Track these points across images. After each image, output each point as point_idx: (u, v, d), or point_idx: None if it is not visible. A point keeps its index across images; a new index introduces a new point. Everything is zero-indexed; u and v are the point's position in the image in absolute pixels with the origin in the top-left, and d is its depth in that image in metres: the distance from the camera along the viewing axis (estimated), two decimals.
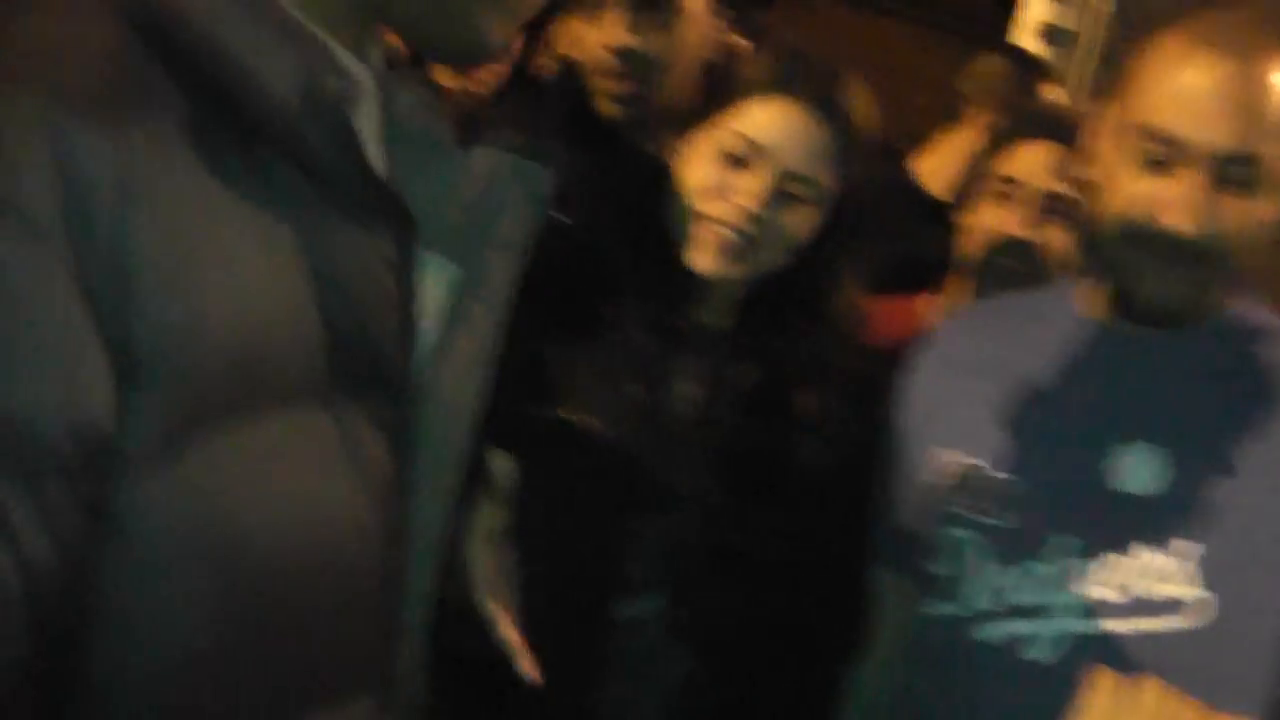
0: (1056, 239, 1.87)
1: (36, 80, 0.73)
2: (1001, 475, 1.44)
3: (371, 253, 0.89)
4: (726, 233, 1.56)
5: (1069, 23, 3.51)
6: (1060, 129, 1.90)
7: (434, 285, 1.01)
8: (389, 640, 0.97)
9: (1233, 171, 1.32)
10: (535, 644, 1.45)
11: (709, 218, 1.57)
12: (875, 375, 1.62)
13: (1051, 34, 3.48)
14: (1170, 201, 1.33)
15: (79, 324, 0.72)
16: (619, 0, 1.81)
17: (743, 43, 2.44)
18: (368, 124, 0.88)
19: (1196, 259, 1.34)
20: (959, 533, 1.45)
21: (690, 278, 1.59)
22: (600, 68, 1.82)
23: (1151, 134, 1.34)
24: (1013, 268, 1.85)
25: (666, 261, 1.59)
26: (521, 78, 2.02)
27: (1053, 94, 2.72)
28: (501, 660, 1.44)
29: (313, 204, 0.84)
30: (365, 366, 0.89)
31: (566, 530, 1.55)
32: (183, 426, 0.77)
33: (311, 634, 0.87)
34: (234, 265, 0.78)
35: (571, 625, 1.53)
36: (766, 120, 1.58)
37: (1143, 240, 1.35)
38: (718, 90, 1.64)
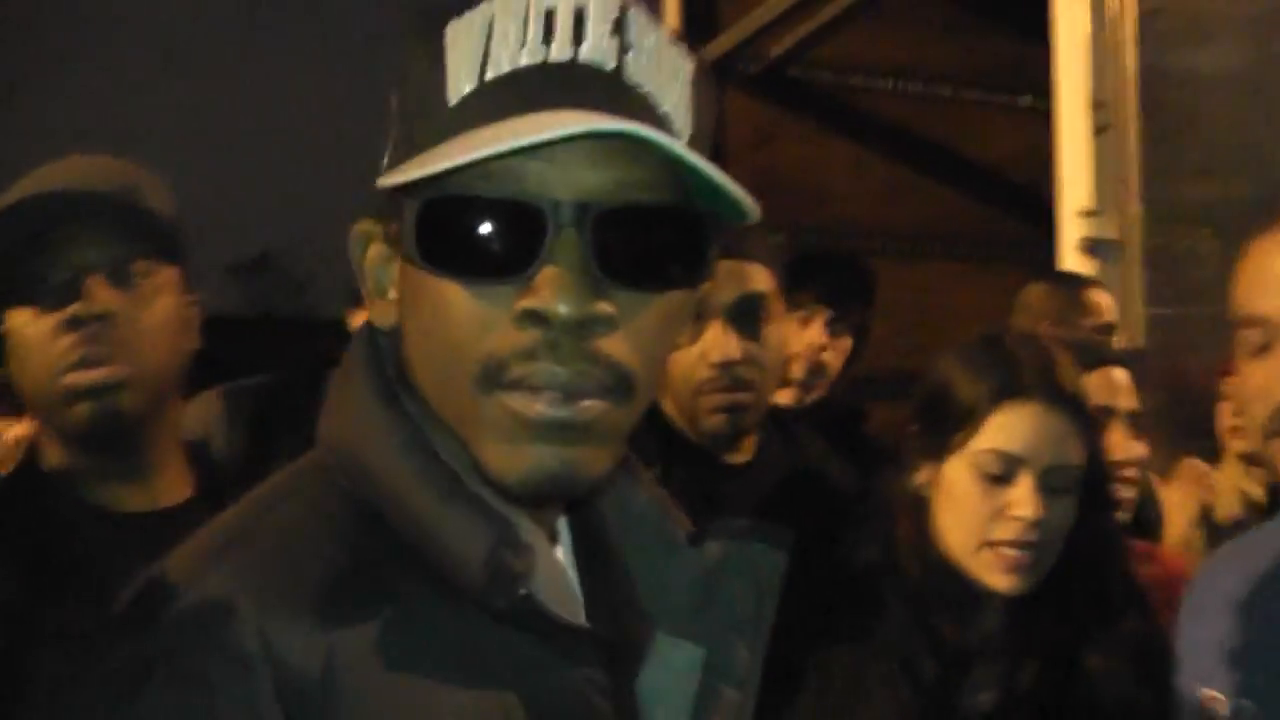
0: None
1: (261, 587, 0.87)
2: (1244, 705, 1.44)
3: (578, 683, 0.94)
4: (1014, 552, 1.58)
5: (1110, 233, 3.50)
6: (1111, 355, 2.02)
7: (683, 669, 1.05)
8: None
9: None
10: None
11: (996, 543, 1.59)
12: (1158, 631, 1.65)
13: (1094, 248, 3.47)
14: None
15: None
16: (720, 316, 1.92)
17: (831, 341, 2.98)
18: (548, 578, 0.95)
19: None
20: None
21: (969, 596, 1.62)
22: (704, 384, 1.92)
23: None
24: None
25: (944, 588, 1.62)
26: None
27: (1105, 309, 2.73)
28: None
29: (517, 652, 0.92)
30: None
31: None
32: None
33: None
34: (434, 707, 0.87)
35: None
36: (1015, 430, 1.60)
37: None
38: (940, 414, 1.66)
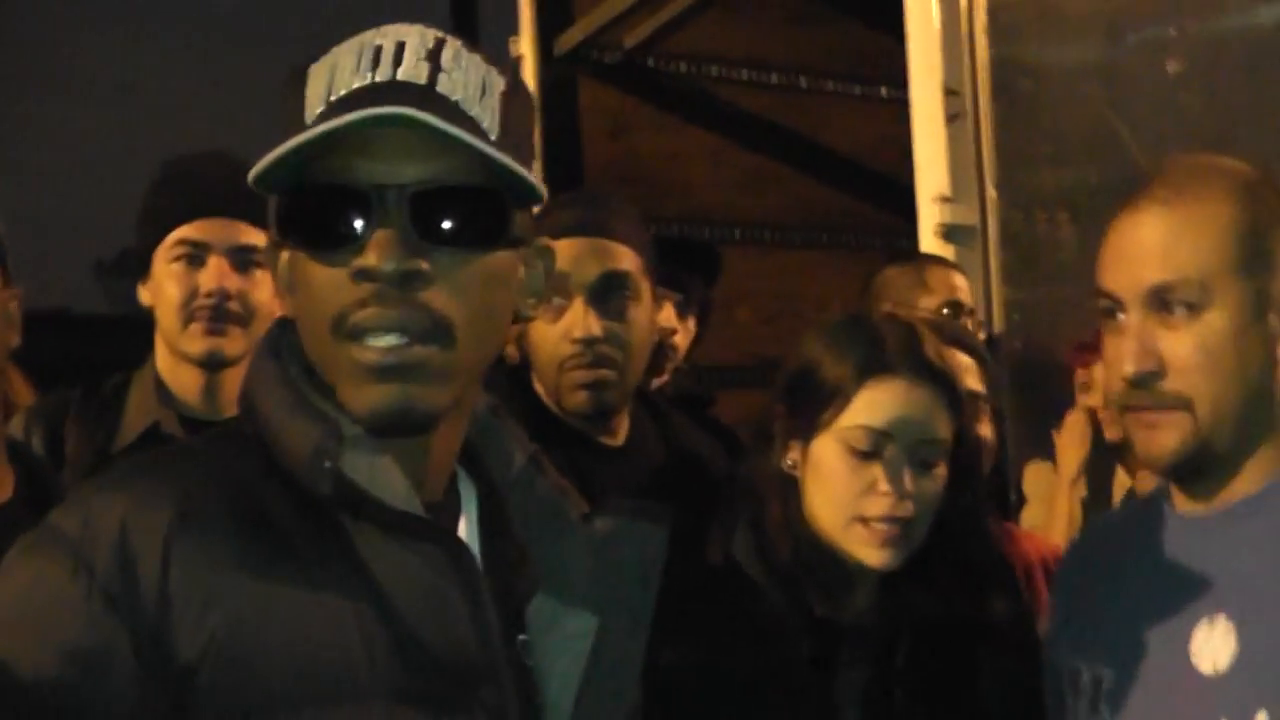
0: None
1: (139, 492, 1.08)
2: (1103, 672, 1.46)
3: (426, 570, 1.12)
4: (885, 526, 1.59)
5: (966, 218, 3.54)
6: (962, 340, 2.04)
7: (578, 634, 1.20)
8: None
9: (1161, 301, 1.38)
10: None
11: (868, 518, 1.59)
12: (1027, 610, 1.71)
13: (952, 233, 3.51)
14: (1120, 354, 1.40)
15: (96, 640, 1.02)
16: (583, 295, 1.94)
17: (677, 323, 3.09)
18: (386, 484, 1.13)
19: (1154, 398, 1.38)
20: None
21: (840, 574, 1.63)
22: (566, 360, 1.94)
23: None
24: None
25: (819, 567, 1.63)
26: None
27: (952, 286, 2.80)
28: None
29: (371, 554, 1.10)
30: (444, 661, 1.10)
31: None
32: (241, 716, 1.02)
33: None
34: (274, 594, 1.06)
35: None
36: (882, 405, 1.61)
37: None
38: (807, 394, 1.66)
